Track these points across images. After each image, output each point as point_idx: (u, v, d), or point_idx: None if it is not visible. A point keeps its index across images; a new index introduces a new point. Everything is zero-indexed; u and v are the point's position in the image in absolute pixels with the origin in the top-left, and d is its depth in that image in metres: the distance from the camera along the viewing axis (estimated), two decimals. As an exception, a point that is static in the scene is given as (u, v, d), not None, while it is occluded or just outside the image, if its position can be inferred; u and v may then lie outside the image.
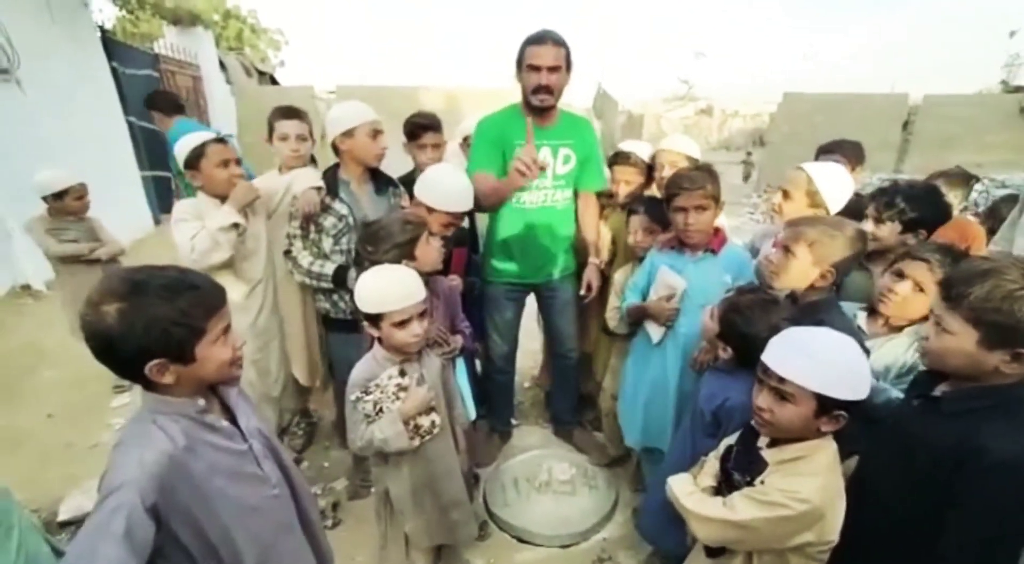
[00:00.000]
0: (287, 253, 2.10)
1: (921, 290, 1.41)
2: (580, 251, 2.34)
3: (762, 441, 1.13)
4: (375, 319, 1.41)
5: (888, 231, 1.78)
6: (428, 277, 1.68)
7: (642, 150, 2.30)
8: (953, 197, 2.94)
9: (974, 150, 11.86)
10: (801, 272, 1.45)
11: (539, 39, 1.98)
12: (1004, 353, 0.94)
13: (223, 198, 1.96)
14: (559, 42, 1.99)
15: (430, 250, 1.66)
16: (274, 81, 13.59)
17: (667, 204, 1.82)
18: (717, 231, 1.82)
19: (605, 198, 2.35)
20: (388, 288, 1.38)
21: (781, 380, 1.06)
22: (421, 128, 2.48)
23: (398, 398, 1.41)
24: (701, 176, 1.73)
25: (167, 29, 8.45)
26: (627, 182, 2.29)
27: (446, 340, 1.69)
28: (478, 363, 2.60)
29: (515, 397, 2.90)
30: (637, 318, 1.98)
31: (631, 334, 2.10)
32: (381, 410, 1.40)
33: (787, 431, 1.11)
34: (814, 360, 1.02)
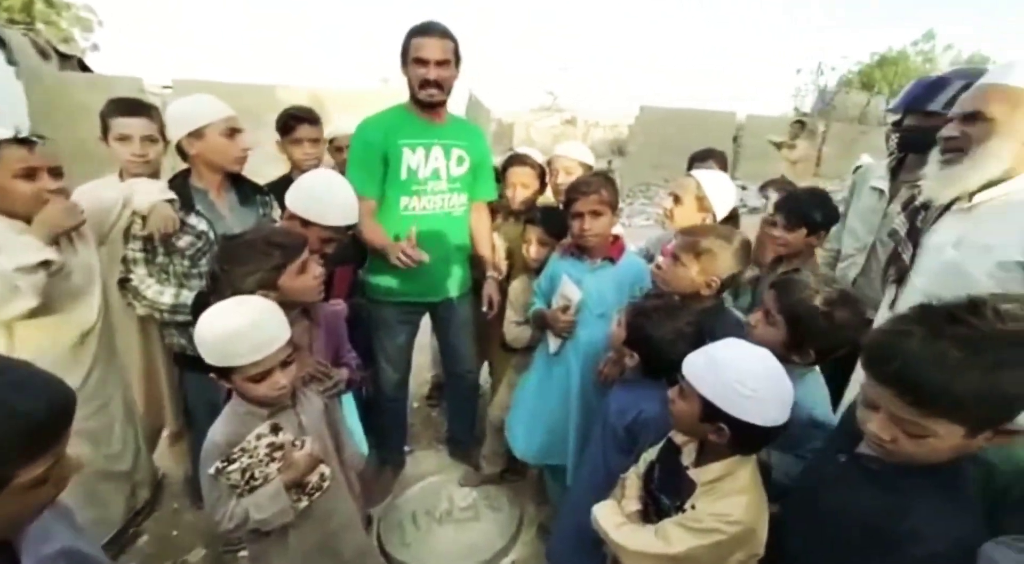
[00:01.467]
0: (124, 282, 1.68)
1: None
2: (476, 264, 2.21)
3: (686, 458, 1.10)
4: (224, 372, 1.12)
5: (796, 237, 1.91)
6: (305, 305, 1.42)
7: (535, 156, 2.25)
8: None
9: (780, 161, 14.47)
10: (688, 280, 1.51)
11: (425, 30, 1.83)
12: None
13: (28, 220, 1.45)
14: (446, 34, 1.85)
15: (305, 280, 1.36)
16: (84, 67, 11.33)
17: (565, 210, 1.78)
18: (616, 239, 1.82)
19: (501, 207, 2.26)
20: (236, 335, 1.09)
21: (683, 375, 1.07)
22: (296, 120, 2.19)
23: (273, 460, 1.13)
24: (597, 181, 1.72)
25: None
26: (524, 185, 2.21)
27: (327, 375, 1.43)
28: (364, 390, 2.34)
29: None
30: (540, 325, 1.92)
31: (530, 348, 2.02)
32: (253, 477, 1.11)
33: (683, 428, 1.13)
34: (708, 362, 1.03)
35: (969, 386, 0.76)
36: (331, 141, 2.45)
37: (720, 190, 1.93)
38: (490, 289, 2.11)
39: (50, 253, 1.42)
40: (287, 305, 1.28)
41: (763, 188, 3.50)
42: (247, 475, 1.10)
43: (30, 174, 1.41)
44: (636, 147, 13.90)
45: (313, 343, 1.47)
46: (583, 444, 1.74)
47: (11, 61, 8.18)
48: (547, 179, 2.27)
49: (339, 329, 1.58)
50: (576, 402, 1.79)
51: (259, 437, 1.12)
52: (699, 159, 2.46)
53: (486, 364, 2.64)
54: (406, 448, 2.62)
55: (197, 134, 1.67)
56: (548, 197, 2.33)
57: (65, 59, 10.72)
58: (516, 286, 2.13)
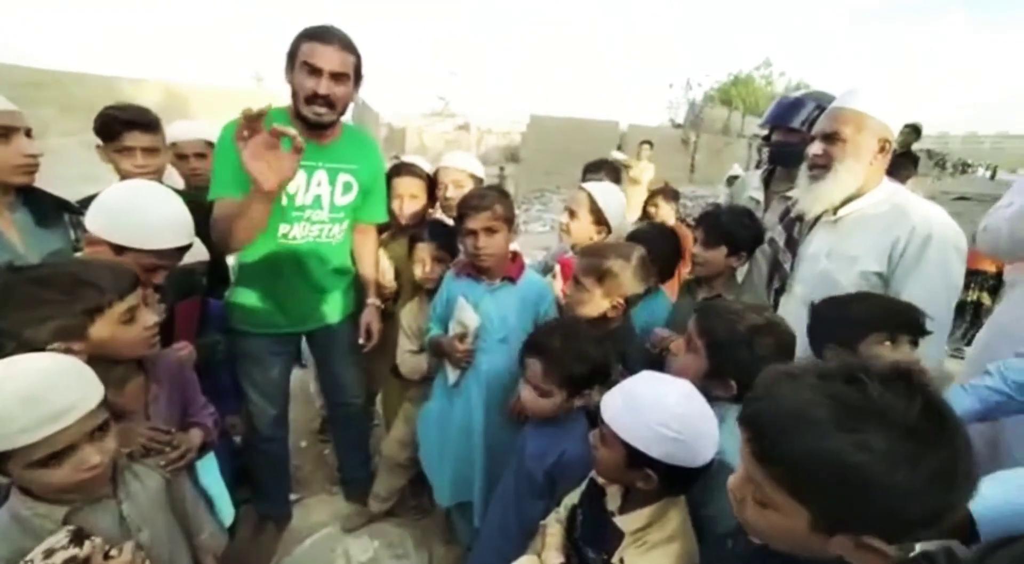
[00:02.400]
0: None
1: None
2: (360, 286, 1.98)
3: (611, 502, 1.01)
4: None
5: (715, 255, 1.72)
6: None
7: (423, 165, 2.08)
8: (670, 209, 3.59)
9: (662, 169, 15.76)
10: (594, 304, 1.46)
11: (322, 36, 1.52)
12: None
13: None
14: (348, 46, 1.56)
15: (131, 332, 1.06)
16: None
17: (458, 226, 1.64)
18: (515, 257, 1.71)
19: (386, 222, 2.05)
20: (14, 405, 0.80)
21: (603, 420, 0.97)
22: (122, 124, 1.73)
23: None
24: (491, 196, 1.60)
25: None
26: (412, 196, 2.02)
27: (169, 443, 1.14)
28: (236, 437, 2.00)
29: (291, 463, 2.34)
30: (437, 353, 1.75)
31: (428, 378, 1.85)
32: (38, 612, 0.81)
33: (608, 476, 1.03)
34: (627, 404, 0.95)
35: (818, 458, 0.59)
36: (171, 146, 2.07)
37: (613, 203, 1.93)
38: (369, 317, 1.89)
39: None
40: (106, 361, 0.98)
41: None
42: (30, 611, 0.80)
43: None
44: (529, 154, 14.24)
45: (151, 405, 1.16)
46: (491, 482, 1.61)
47: None
48: (436, 192, 2.11)
49: (186, 381, 1.28)
50: (480, 436, 1.65)
51: (48, 553, 0.82)
52: (591, 170, 2.47)
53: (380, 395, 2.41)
54: (292, 497, 2.30)
55: None
56: (438, 212, 2.18)
57: None
58: (408, 311, 1.94)
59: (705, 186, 14.96)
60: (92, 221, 1.27)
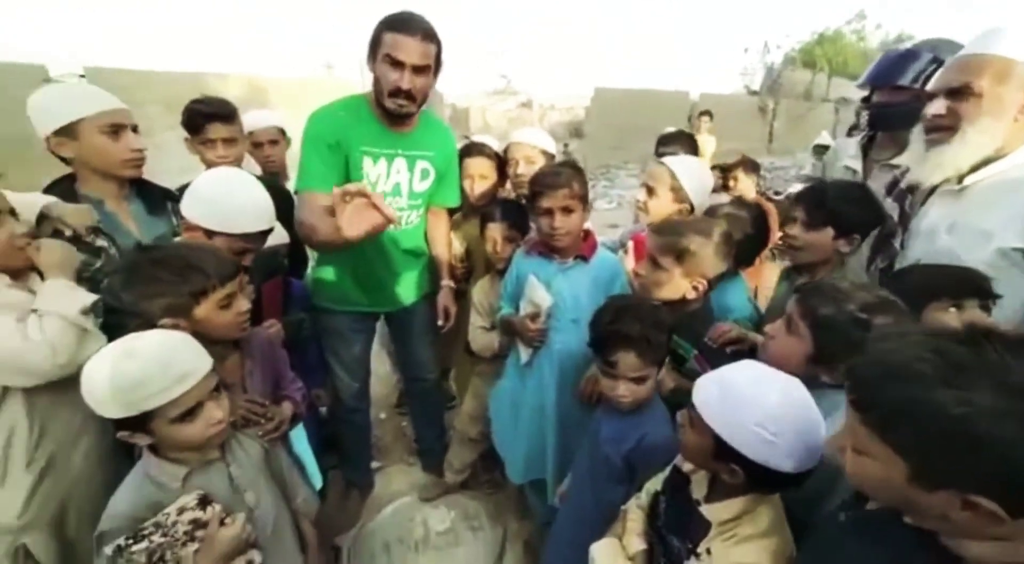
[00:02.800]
0: None
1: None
2: (435, 267, 2.02)
3: (696, 491, 0.97)
4: (138, 422, 0.92)
5: (820, 238, 1.47)
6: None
7: (492, 144, 2.07)
8: (750, 182, 3.35)
9: (736, 139, 14.72)
10: (672, 285, 1.38)
11: (407, 26, 1.51)
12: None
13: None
14: (430, 35, 1.55)
15: (226, 316, 1.16)
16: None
17: (530, 205, 1.61)
18: (587, 235, 1.66)
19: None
20: (143, 374, 0.91)
21: (694, 404, 0.92)
22: (205, 117, 1.86)
23: (192, 540, 0.93)
24: (567, 174, 1.55)
25: None
26: (482, 176, 2.02)
27: (265, 415, 1.23)
28: (322, 409, 2.14)
29: (372, 434, 2.48)
30: (508, 332, 1.76)
31: (500, 355, 1.87)
32: (163, 560, 0.91)
33: (692, 460, 0.99)
34: (722, 395, 0.87)
35: (916, 408, 0.58)
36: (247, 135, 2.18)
37: (695, 178, 1.81)
38: (445, 299, 1.92)
39: (86, 294, 1.18)
40: (204, 339, 1.07)
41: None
42: (155, 557, 0.90)
43: None
44: (593, 129, 13.82)
45: (247, 380, 1.26)
46: (563, 460, 1.61)
47: None
48: (506, 169, 2.09)
49: (277, 357, 1.37)
50: (552, 415, 1.65)
51: (181, 511, 0.92)
52: (665, 143, 2.34)
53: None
54: (374, 465, 2.44)
55: (68, 132, 1.38)
56: (509, 191, 2.16)
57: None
58: (480, 288, 1.96)
59: (784, 156, 13.87)
60: (187, 209, 1.38)
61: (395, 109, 1.60)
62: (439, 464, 2.31)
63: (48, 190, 1.43)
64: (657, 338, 1.21)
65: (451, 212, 2.16)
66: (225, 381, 1.20)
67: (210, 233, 1.35)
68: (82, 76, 7.70)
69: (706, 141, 6.60)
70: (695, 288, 1.37)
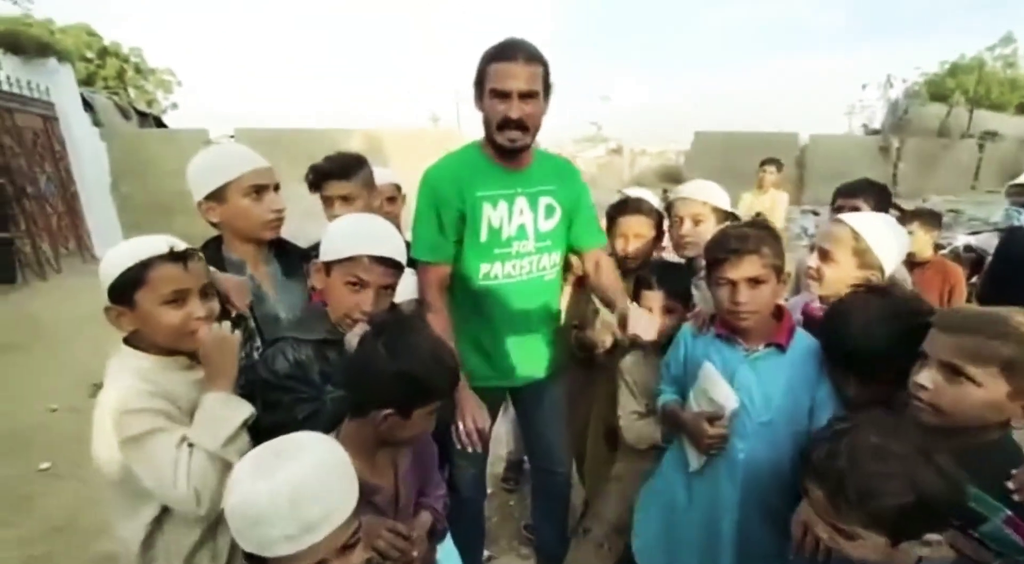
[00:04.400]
0: None
1: None
2: (568, 338, 1.79)
3: None
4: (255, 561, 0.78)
5: None
6: None
7: (651, 200, 1.84)
8: (929, 239, 2.79)
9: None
10: (990, 405, 0.95)
11: (506, 53, 1.42)
12: None
13: (176, 352, 1.10)
14: (534, 57, 1.44)
15: (426, 424, 1.06)
16: (160, 124, 12.13)
17: (708, 274, 1.34)
18: (781, 313, 1.35)
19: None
20: (273, 508, 0.75)
21: None
22: (321, 175, 1.79)
23: None
24: (756, 237, 1.26)
25: (4, 60, 6.63)
26: (637, 235, 1.79)
27: (405, 552, 1.02)
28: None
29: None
30: (673, 425, 1.46)
31: (656, 447, 1.56)
32: None
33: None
34: None
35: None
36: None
37: (887, 238, 1.44)
38: (635, 317, 1.48)
39: (247, 405, 1.09)
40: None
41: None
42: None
43: (180, 297, 1.06)
44: (694, 174, 13.28)
45: (400, 486, 1.07)
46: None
47: (96, 122, 8.75)
48: (665, 227, 1.83)
49: (429, 454, 1.18)
50: (730, 542, 1.30)
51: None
52: (845, 195, 1.96)
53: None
54: (485, 554, 2.17)
55: (217, 197, 1.33)
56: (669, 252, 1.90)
57: (144, 117, 11.54)
58: (629, 363, 1.67)
59: (910, 200, 12.35)
60: (326, 246, 1.27)
61: (507, 144, 1.47)
62: (556, 562, 1.98)
63: (202, 248, 1.40)
64: (861, 490, 0.83)
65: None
66: (373, 483, 1.02)
67: (353, 280, 1.23)
68: (233, 137, 8.82)
69: (775, 199, 4.86)
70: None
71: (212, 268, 1.22)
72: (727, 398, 1.27)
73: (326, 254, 1.24)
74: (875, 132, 15.92)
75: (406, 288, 1.59)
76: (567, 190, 1.65)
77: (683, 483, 1.42)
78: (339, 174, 1.79)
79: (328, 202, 1.81)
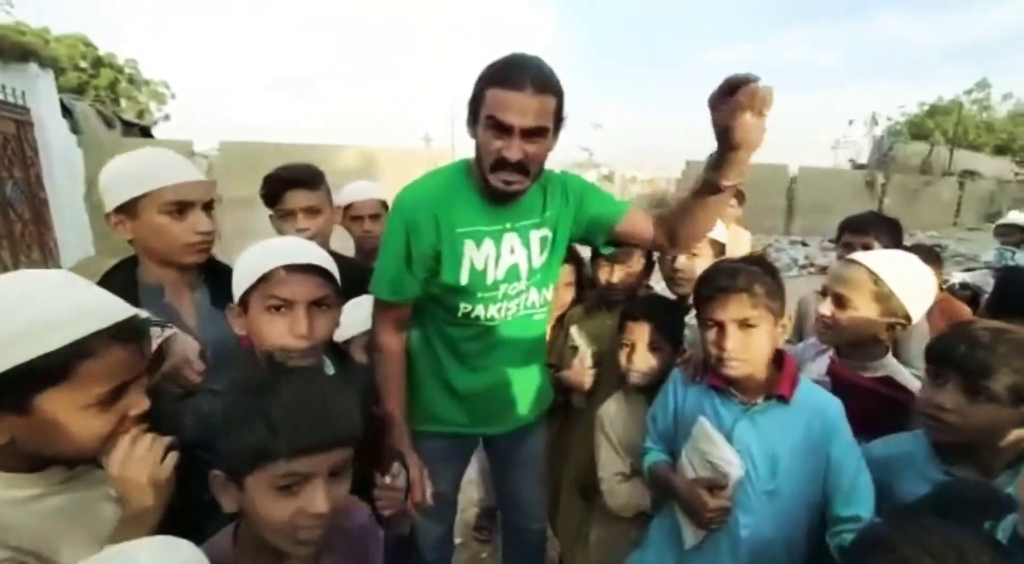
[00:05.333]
0: None
1: None
2: (551, 381, 1.58)
3: None
4: None
5: None
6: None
7: None
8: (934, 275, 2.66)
9: (841, 215, 13.50)
10: None
11: (512, 78, 1.11)
12: None
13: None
14: (546, 85, 1.13)
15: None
16: (147, 135, 11.91)
17: (697, 313, 1.17)
18: (782, 361, 1.16)
19: (587, 288, 1.67)
20: None
21: None
22: (284, 183, 1.58)
23: None
24: (747, 274, 1.10)
25: None
26: (622, 264, 1.58)
27: None
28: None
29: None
30: (663, 491, 1.26)
31: (643, 514, 1.35)
32: None
33: None
34: None
35: None
36: (346, 209, 1.92)
37: (913, 282, 1.28)
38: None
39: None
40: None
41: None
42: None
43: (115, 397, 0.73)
44: (682, 202, 13.39)
45: None
46: None
47: (75, 130, 8.51)
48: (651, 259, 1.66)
49: (371, 550, 0.91)
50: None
51: None
52: (855, 230, 1.81)
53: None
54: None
55: (128, 210, 1.12)
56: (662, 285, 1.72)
57: (129, 127, 11.32)
58: (612, 412, 1.47)
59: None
60: (235, 286, 1.03)
61: (501, 186, 1.19)
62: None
63: (108, 276, 1.18)
64: None
65: (576, 299, 1.75)
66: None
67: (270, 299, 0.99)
68: (218, 150, 8.62)
69: (737, 236, 3.38)
70: None
71: (157, 329, 0.93)
72: (729, 462, 1.08)
73: (238, 288, 1.02)
74: (861, 167, 16.24)
75: (356, 319, 1.40)
76: (560, 200, 1.35)
77: (677, 560, 1.21)
78: (304, 183, 1.59)
79: (288, 216, 1.59)
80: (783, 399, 1.11)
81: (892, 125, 18.62)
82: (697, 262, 1.48)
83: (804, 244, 11.23)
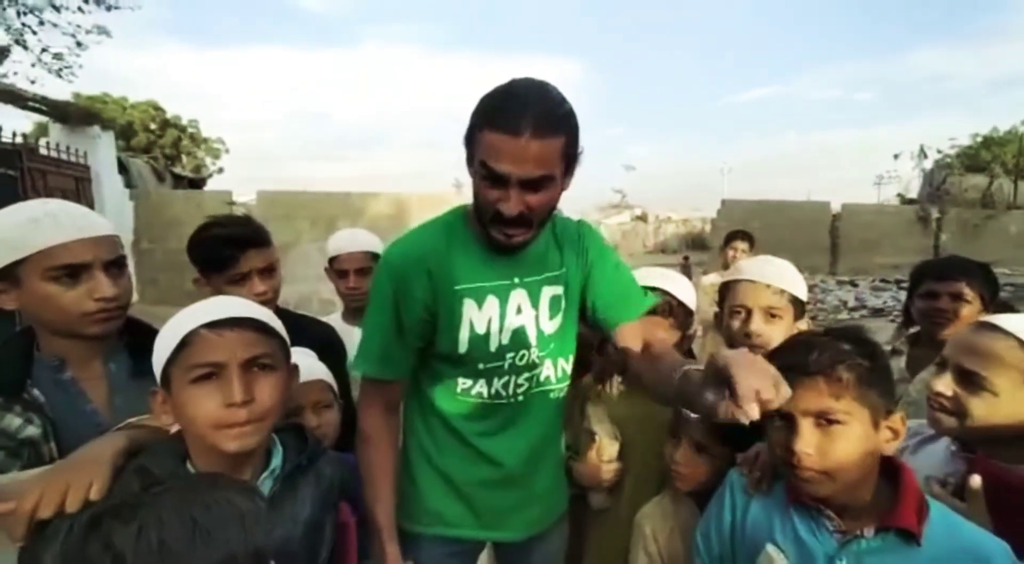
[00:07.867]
0: None
1: None
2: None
3: None
4: None
5: None
6: None
7: (677, 286, 1.33)
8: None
9: (892, 253, 12.80)
10: None
11: (508, 120, 0.91)
12: None
13: None
14: (550, 126, 0.93)
15: None
16: (196, 187, 12.67)
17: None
18: (897, 474, 0.86)
19: (606, 371, 1.39)
20: None
21: None
22: (235, 245, 1.31)
23: None
24: (831, 350, 0.82)
25: (52, 127, 7.46)
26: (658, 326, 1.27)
27: None
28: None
29: None
30: None
31: None
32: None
33: None
34: None
35: None
36: (331, 261, 1.75)
37: None
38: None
39: None
40: None
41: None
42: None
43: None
44: (720, 241, 12.96)
45: None
46: None
47: (128, 184, 9.09)
48: (691, 320, 1.38)
49: None
50: None
51: None
52: (939, 276, 1.49)
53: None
54: None
55: (8, 278, 0.94)
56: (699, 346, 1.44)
57: (179, 180, 12.04)
58: (656, 519, 1.18)
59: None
60: (155, 363, 0.85)
61: (502, 239, 1.02)
62: None
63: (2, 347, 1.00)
64: None
65: (582, 360, 1.45)
66: None
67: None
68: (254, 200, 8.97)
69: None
70: None
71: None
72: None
73: (157, 365, 0.83)
74: (911, 201, 15.46)
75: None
76: (578, 264, 1.16)
77: None
78: (257, 242, 1.34)
79: (241, 280, 1.31)
80: (913, 536, 0.79)
81: (942, 158, 17.76)
82: (776, 328, 1.18)
83: (853, 284, 10.56)
